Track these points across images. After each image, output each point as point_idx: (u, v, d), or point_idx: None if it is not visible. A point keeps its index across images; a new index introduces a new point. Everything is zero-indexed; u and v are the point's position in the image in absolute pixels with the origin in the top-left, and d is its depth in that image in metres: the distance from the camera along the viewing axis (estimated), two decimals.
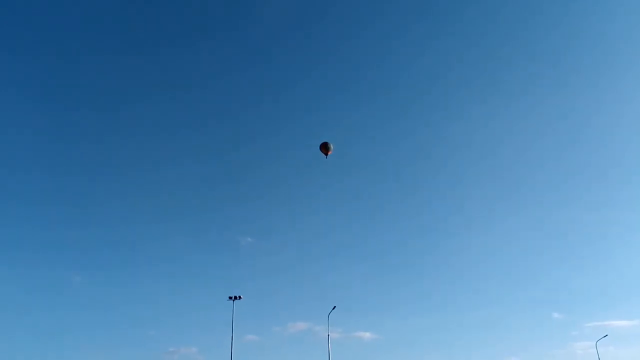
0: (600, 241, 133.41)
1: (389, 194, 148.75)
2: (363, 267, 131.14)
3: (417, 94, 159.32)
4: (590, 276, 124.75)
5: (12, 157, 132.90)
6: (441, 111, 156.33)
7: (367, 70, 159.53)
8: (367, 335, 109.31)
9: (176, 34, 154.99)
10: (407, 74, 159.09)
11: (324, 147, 56.32)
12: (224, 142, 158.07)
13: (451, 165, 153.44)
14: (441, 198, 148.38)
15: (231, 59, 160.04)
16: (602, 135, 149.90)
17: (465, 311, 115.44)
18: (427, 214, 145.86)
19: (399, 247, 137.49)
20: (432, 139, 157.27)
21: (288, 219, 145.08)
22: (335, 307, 61.15)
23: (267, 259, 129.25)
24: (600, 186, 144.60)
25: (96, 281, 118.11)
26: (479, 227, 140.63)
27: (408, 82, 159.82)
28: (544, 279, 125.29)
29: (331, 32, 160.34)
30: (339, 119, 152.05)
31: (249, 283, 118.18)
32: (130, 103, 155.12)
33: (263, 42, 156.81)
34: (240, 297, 58.42)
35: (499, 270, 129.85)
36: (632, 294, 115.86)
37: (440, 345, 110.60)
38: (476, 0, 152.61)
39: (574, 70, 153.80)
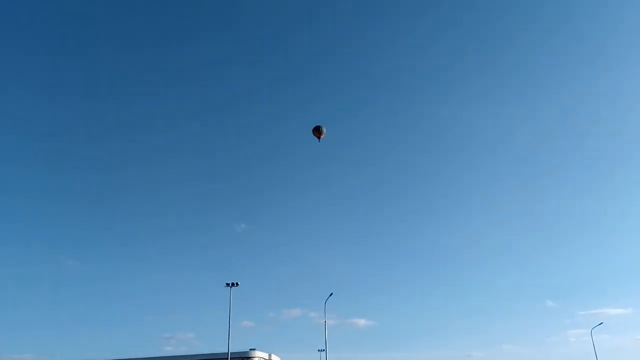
0: (594, 229, 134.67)
1: (382, 182, 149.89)
2: (357, 254, 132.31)
3: (419, 89, 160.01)
4: (583, 265, 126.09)
5: (12, 153, 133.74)
6: (442, 107, 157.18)
7: (372, 65, 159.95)
8: (362, 321, 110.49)
9: (176, 30, 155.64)
10: (413, 68, 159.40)
11: (317, 131, 56.63)
12: (222, 131, 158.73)
13: (447, 151, 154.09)
14: (435, 186, 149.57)
15: (232, 54, 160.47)
16: (596, 124, 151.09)
17: (459, 298, 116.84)
18: (422, 202, 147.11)
19: (394, 235, 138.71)
20: (422, 121, 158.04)
21: (281, 206, 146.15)
22: (332, 293, 61.83)
23: (260, 246, 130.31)
24: (594, 175, 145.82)
25: (93, 267, 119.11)
26: (473, 215, 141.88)
27: (412, 77, 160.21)
28: (538, 268, 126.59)
29: (336, 28, 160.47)
30: (336, 110, 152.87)
31: (246, 269, 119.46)
32: (129, 97, 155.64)
33: (264, 38, 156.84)
34: (237, 284, 58.72)
35: (493, 258, 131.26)
36: (626, 283, 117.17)
37: (435, 332, 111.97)
38: None
39: (570, 63, 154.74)
